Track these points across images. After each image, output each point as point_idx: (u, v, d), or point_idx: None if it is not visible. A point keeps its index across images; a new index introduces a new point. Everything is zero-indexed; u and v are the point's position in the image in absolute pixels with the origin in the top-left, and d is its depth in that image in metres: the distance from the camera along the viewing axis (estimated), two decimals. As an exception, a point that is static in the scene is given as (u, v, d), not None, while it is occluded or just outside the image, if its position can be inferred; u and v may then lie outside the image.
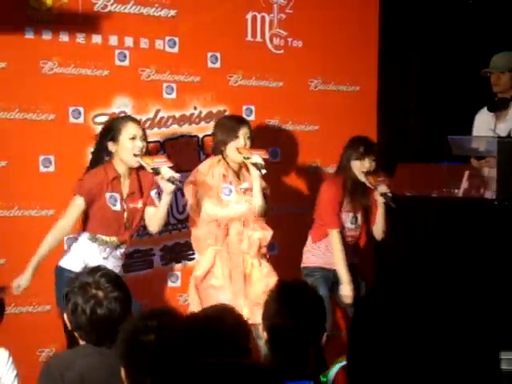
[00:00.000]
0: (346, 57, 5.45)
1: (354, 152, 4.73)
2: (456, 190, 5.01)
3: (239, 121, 4.58)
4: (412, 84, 6.26)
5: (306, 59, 5.35)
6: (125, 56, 4.81)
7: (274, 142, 5.32)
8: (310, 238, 4.91)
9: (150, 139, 4.85)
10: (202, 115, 5.04)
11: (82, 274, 2.77)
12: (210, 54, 5.07)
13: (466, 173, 4.98)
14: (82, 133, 4.71)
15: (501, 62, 5.32)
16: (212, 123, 5.02)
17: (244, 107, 5.20)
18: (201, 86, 5.02)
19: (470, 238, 4.77)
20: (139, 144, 4.15)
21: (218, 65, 5.10)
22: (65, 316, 2.74)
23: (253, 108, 5.22)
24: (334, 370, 2.84)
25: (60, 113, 4.63)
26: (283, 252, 5.20)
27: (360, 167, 4.73)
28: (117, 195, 4.21)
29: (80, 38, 4.67)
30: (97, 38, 4.72)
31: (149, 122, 4.89)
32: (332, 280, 4.81)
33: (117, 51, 4.79)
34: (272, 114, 5.30)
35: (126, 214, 4.25)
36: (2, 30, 4.42)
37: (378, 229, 4.91)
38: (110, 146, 4.19)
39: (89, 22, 4.67)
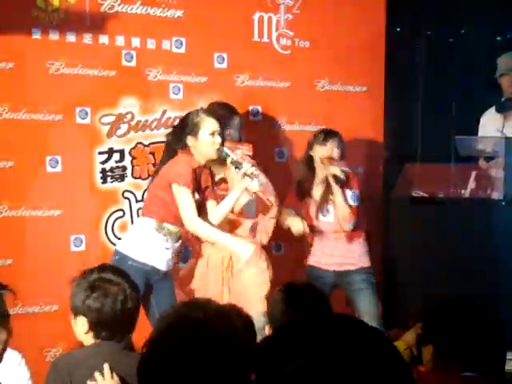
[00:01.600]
0: (353, 57, 5.44)
1: (316, 139, 4.67)
2: (463, 191, 5.01)
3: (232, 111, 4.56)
4: (419, 84, 6.26)
5: (313, 60, 5.34)
6: (132, 56, 4.82)
7: (281, 143, 5.33)
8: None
9: (156, 139, 4.87)
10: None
11: (93, 272, 2.77)
12: (216, 55, 5.07)
13: (473, 173, 4.98)
14: (88, 133, 4.71)
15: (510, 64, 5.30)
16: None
17: (251, 107, 5.20)
18: (207, 87, 5.02)
19: (476, 238, 4.76)
20: (218, 139, 4.18)
21: (224, 65, 5.10)
22: (81, 318, 2.73)
23: (259, 108, 5.22)
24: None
25: (67, 113, 4.63)
26: (290, 252, 5.21)
27: (321, 152, 4.63)
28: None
29: (87, 39, 4.68)
30: (104, 39, 4.73)
31: (155, 123, 4.89)
32: (330, 282, 4.69)
33: (123, 52, 4.80)
34: (279, 115, 5.30)
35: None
36: (9, 31, 4.43)
37: (340, 215, 4.64)
38: (190, 139, 4.18)
39: (96, 22, 4.68)
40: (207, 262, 4.51)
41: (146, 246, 4.14)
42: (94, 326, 2.71)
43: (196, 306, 2.22)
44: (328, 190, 4.66)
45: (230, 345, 2.08)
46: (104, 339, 2.69)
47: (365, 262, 4.73)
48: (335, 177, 4.54)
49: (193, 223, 4.14)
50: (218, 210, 4.24)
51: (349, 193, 4.64)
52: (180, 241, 4.25)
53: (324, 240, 4.72)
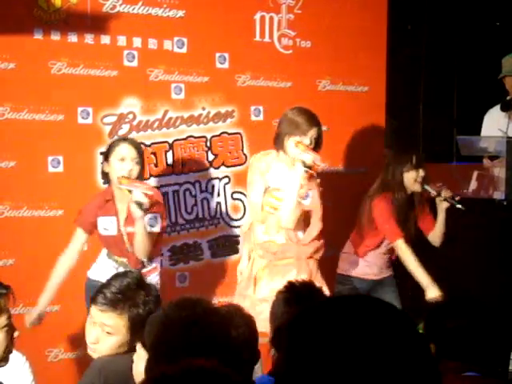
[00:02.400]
0: (354, 57, 5.44)
1: (406, 164, 4.68)
2: (465, 190, 5.00)
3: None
4: (421, 84, 6.26)
5: (315, 59, 5.34)
6: (133, 56, 4.82)
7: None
8: (352, 250, 4.89)
9: (158, 140, 4.87)
10: (211, 116, 5.04)
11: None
12: (218, 55, 5.07)
13: (475, 173, 4.97)
14: (90, 133, 4.72)
15: None
16: (220, 124, 5.03)
17: (252, 108, 5.20)
18: (209, 87, 5.02)
19: (479, 238, 4.76)
20: (128, 166, 4.02)
21: (226, 65, 5.09)
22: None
23: (261, 108, 5.22)
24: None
25: (69, 113, 4.64)
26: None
27: (415, 177, 4.68)
28: (112, 218, 4.16)
29: (89, 39, 4.68)
30: (105, 39, 4.73)
31: (157, 123, 4.89)
32: (366, 289, 4.79)
33: (125, 52, 4.80)
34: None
35: (125, 238, 4.16)
36: (10, 31, 4.43)
37: (437, 235, 4.83)
38: (104, 166, 4.16)
39: (97, 22, 4.68)
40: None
41: (102, 270, 4.17)
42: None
43: (186, 303, 2.23)
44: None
45: (224, 341, 2.08)
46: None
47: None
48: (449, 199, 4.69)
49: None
50: (135, 241, 4.11)
51: None
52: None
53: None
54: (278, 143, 4.35)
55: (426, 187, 4.69)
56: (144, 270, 4.16)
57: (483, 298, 2.93)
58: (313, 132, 4.31)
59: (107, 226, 4.16)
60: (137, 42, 4.83)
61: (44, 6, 4.55)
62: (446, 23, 6.20)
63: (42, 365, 4.59)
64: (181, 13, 4.93)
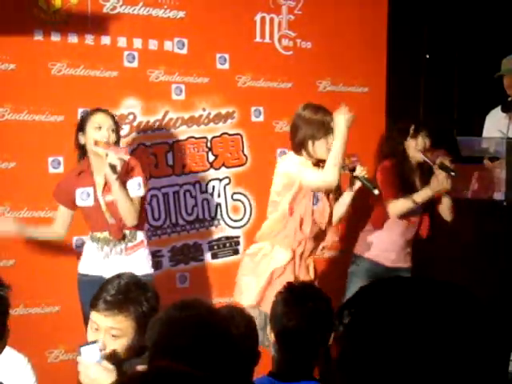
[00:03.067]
0: (354, 58, 5.44)
1: (406, 132, 4.70)
2: (465, 191, 5.00)
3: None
4: (421, 85, 6.26)
5: (315, 60, 5.34)
6: (134, 57, 4.82)
7: (283, 144, 5.31)
8: (371, 227, 4.84)
9: (158, 141, 4.87)
10: (211, 116, 5.04)
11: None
12: (218, 56, 5.07)
13: (475, 174, 4.97)
14: (90, 134, 4.71)
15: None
16: (221, 124, 5.03)
17: (253, 108, 5.20)
18: (209, 88, 5.02)
19: (479, 239, 4.75)
20: (105, 133, 4.06)
21: (226, 66, 5.10)
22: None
23: (261, 109, 5.22)
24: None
25: (69, 114, 4.63)
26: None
27: (414, 145, 4.68)
28: (89, 189, 4.17)
29: (89, 40, 4.68)
30: (106, 40, 4.73)
31: (157, 123, 4.89)
32: (379, 275, 4.60)
33: (125, 52, 4.80)
34: (281, 116, 5.29)
35: (104, 208, 4.16)
36: (11, 32, 4.44)
37: (445, 208, 4.76)
38: (80, 137, 4.18)
39: (98, 23, 4.68)
40: None
41: (85, 259, 4.25)
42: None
43: (188, 305, 2.22)
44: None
45: (225, 341, 2.08)
46: None
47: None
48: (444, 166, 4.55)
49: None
50: (118, 207, 4.11)
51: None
52: (122, 242, 4.18)
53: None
54: (299, 148, 4.22)
55: (422, 156, 4.66)
56: (130, 245, 4.17)
57: (483, 298, 2.92)
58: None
59: (84, 196, 4.17)
60: (137, 42, 4.83)
61: (44, 7, 4.55)
62: (447, 24, 6.19)
63: (42, 366, 4.58)
64: (181, 14, 4.94)
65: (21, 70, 4.51)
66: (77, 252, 4.67)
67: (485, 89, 5.66)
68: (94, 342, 2.64)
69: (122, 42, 4.78)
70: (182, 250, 5.04)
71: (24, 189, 4.56)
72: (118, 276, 2.82)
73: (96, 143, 4.05)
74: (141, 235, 4.24)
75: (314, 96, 5.35)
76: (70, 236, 4.67)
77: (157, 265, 4.91)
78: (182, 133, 4.98)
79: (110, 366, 2.56)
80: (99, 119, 4.09)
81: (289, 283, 3.02)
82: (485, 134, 5.45)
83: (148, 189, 4.41)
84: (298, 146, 4.21)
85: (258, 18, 5.21)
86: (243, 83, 5.16)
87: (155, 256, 4.92)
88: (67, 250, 4.65)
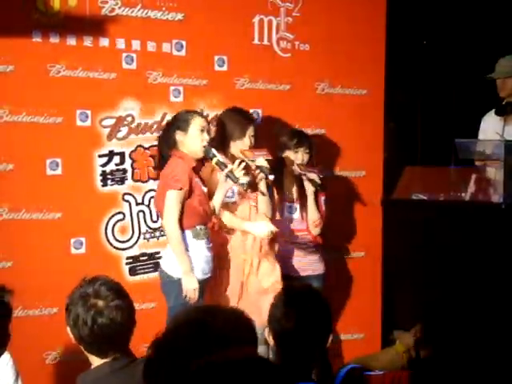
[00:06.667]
0: (353, 60, 5.44)
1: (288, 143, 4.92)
2: (463, 194, 5.00)
3: (247, 118, 4.69)
4: (419, 87, 6.27)
5: (313, 62, 5.34)
6: (132, 59, 4.82)
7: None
8: None
9: (156, 142, 4.87)
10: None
11: (82, 285, 2.67)
12: (217, 58, 5.07)
13: (473, 176, 4.97)
14: (89, 136, 4.71)
15: (506, 67, 5.33)
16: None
17: (251, 110, 5.19)
18: (208, 89, 5.02)
19: (474, 242, 4.75)
20: (206, 137, 4.38)
21: (224, 68, 5.10)
22: (68, 329, 2.64)
23: (259, 111, 5.22)
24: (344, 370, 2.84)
25: (67, 116, 4.64)
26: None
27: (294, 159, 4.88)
28: (199, 180, 4.41)
29: (87, 42, 4.68)
30: (104, 42, 4.73)
31: (156, 126, 4.89)
32: None
33: (124, 54, 4.80)
34: (279, 118, 5.30)
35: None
36: (9, 34, 4.43)
37: (310, 219, 4.93)
38: (179, 134, 4.36)
39: (96, 25, 4.68)
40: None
41: (195, 261, 4.33)
42: (78, 341, 2.63)
43: (205, 310, 2.22)
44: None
45: (226, 341, 2.08)
46: (93, 354, 2.63)
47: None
48: (312, 181, 4.78)
49: (170, 225, 4.28)
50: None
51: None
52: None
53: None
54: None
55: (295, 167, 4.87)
56: None
57: (481, 302, 2.94)
58: (250, 130, 4.64)
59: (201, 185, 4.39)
60: (135, 44, 4.83)
61: (43, 9, 4.55)
62: (445, 26, 6.21)
63: (39, 368, 4.59)
64: (180, 16, 4.94)
65: (19, 71, 4.51)
66: (74, 253, 4.67)
67: (483, 91, 5.67)
68: None
69: (120, 43, 4.78)
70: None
71: (22, 190, 4.56)
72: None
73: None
74: None
75: (312, 98, 5.37)
76: (68, 237, 4.68)
77: (155, 266, 4.92)
78: (181, 135, 4.97)
79: None
80: (202, 123, 4.40)
81: (288, 284, 3.02)
82: (480, 137, 5.46)
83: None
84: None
85: (256, 20, 5.21)
86: (241, 85, 5.16)
87: (153, 258, 4.92)
88: (65, 252, 4.65)
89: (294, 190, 4.96)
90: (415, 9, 6.05)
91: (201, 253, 4.34)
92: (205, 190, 4.40)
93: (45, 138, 4.60)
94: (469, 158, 5.22)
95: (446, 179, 5.14)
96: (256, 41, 5.22)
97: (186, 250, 4.28)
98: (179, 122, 4.40)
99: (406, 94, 6.15)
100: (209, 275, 4.41)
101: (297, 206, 4.94)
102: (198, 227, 4.32)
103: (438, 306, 2.78)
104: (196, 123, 4.37)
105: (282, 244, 4.82)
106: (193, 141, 4.36)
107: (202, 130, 4.36)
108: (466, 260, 4.72)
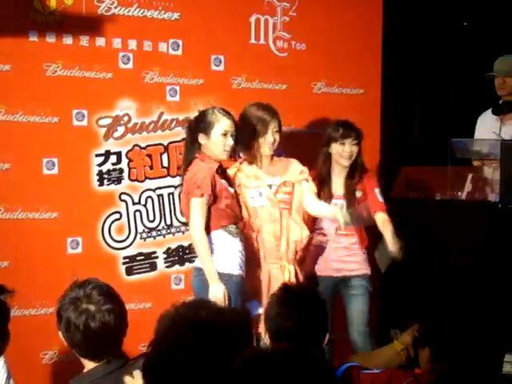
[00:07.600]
0: (349, 59, 5.44)
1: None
2: (460, 193, 5.00)
3: (270, 112, 4.51)
4: (416, 86, 6.27)
5: (310, 62, 5.34)
6: (128, 59, 4.82)
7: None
8: None
9: (153, 142, 4.87)
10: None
11: (72, 289, 2.63)
12: (213, 57, 5.07)
13: (470, 175, 4.98)
14: (85, 135, 4.71)
15: (505, 66, 5.32)
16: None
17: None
18: (204, 89, 5.02)
19: (473, 242, 4.76)
20: (230, 142, 4.20)
21: (221, 67, 5.10)
22: (60, 334, 2.61)
23: (256, 111, 5.21)
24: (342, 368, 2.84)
25: (64, 115, 4.63)
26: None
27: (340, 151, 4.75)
28: (225, 182, 4.26)
29: (84, 41, 4.68)
30: (100, 41, 4.73)
31: (152, 125, 4.89)
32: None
33: (120, 54, 4.80)
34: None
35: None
36: (5, 33, 4.43)
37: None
38: (201, 137, 4.22)
39: (92, 24, 4.68)
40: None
41: (230, 256, 4.19)
42: (71, 345, 2.61)
43: (197, 305, 2.22)
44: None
45: (230, 343, 2.08)
46: (86, 358, 2.60)
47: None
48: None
49: (196, 232, 4.13)
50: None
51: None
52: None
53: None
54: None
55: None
56: None
57: (480, 301, 2.93)
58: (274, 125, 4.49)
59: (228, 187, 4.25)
60: (132, 44, 4.83)
61: (39, 8, 4.55)
62: (442, 26, 6.21)
63: (36, 367, 4.59)
64: (176, 15, 4.94)
65: (16, 70, 4.50)
66: (71, 253, 4.67)
67: (480, 91, 5.67)
68: None
69: (116, 43, 4.78)
70: (177, 252, 5.03)
71: (19, 190, 4.56)
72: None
73: None
74: None
75: (309, 97, 5.37)
76: (64, 237, 4.67)
77: (152, 266, 4.92)
78: (177, 134, 4.97)
79: None
80: (226, 126, 4.21)
81: (284, 284, 3.02)
82: (476, 136, 5.46)
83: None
84: None
85: (252, 19, 5.21)
86: (238, 85, 5.16)
87: (150, 257, 4.92)
88: (61, 251, 4.65)
89: (341, 185, 4.80)
90: (412, 8, 6.05)
91: (236, 249, 4.20)
92: (231, 190, 4.25)
93: (41, 137, 4.60)
94: (465, 157, 5.22)
95: (443, 178, 5.14)
96: (252, 40, 5.21)
97: (221, 247, 4.16)
98: (203, 124, 4.23)
99: (403, 93, 6.15)
100: (244, 273, 4.23)
101: (343, 202, 4.75)
102: (229, 226, 4.20)
103: (436, 305, 2.77)
104: (219, 127, 4.18)
105: (325, 242, 4.76)
106: (215, 146, 4.19)
107: (225, 134, 4.19)
108: (464, 259, 4.72)
